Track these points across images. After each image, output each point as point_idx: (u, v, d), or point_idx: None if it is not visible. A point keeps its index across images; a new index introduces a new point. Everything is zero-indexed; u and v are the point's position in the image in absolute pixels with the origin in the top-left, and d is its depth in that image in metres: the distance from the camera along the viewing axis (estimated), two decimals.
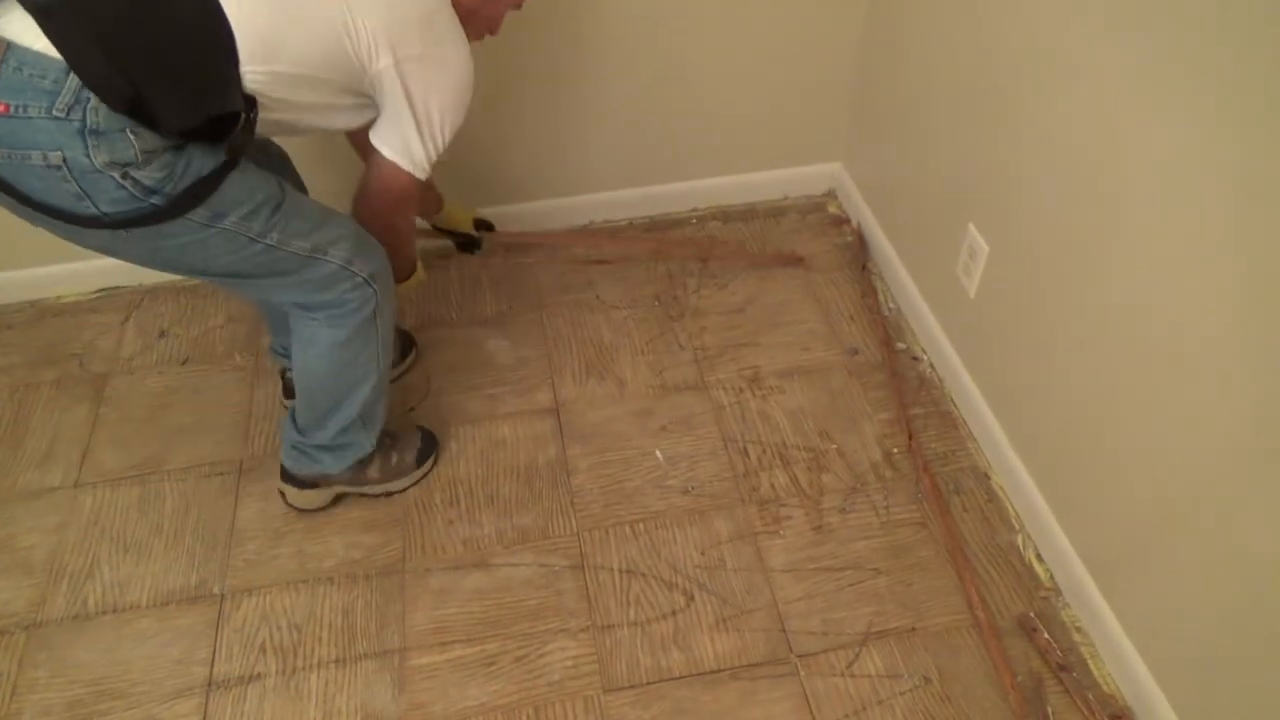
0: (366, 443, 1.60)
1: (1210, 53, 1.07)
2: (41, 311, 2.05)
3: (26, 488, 1.72)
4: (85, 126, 1.08)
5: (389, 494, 1.68)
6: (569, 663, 1.47)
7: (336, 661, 1.48)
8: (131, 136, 1.11)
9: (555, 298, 2.05)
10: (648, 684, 1.44)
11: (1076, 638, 1.48)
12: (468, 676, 1.45)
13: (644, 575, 1.57)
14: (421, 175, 1.36)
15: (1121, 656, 1.38)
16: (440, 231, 1.96)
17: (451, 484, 1.71)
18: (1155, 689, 1.33)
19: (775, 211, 2.25)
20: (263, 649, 1.49)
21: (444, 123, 1.33)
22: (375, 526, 1.64)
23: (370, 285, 1.41)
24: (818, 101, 2.11)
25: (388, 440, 1.66)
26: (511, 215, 2.15)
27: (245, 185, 1.25)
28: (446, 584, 1.56)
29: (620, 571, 1.58)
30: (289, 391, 1.72)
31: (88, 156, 1.09)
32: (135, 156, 1.12)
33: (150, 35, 1.10)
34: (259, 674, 1.46)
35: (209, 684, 1.45)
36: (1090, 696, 1.40)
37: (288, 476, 1.62)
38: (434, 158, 1.36)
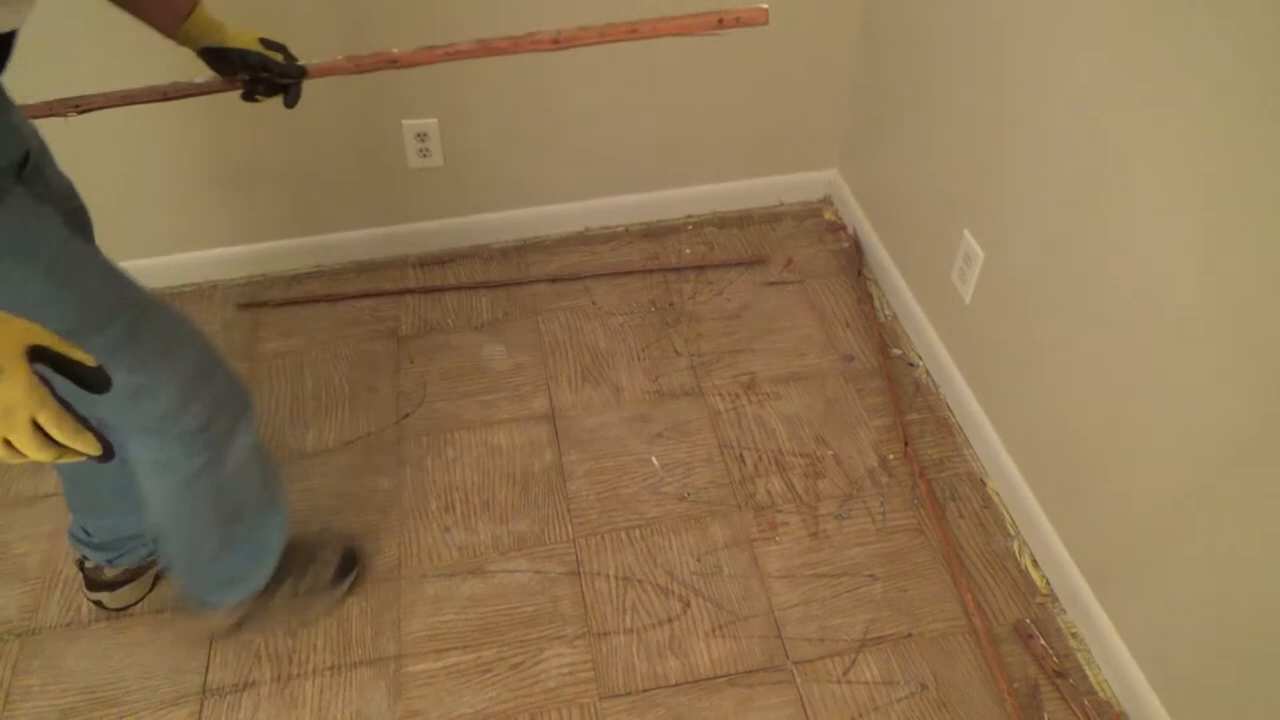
0: (258, 576, 1.41)
1: (1207, 57, 1.07)
2: None
3: (21, 494, 1.71)
4: None
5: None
6: (565, 670, 1.46)
7: (331, 669, 1.47)
8: None
9: (551, 303, 2.05)
10: (644, 691, 1.44)
11: (1073, 644, 1.48)
12: (463, 683, 1.45)
13: (640, 582, 1.57)
14: None
15: (1118, 662, 1.38)
16: (212, 62, 1.22)
17: (447, 490, 1.71)
18: (1151, 695, 1.33)
19: (771, 218, 2.25)
20: (257, 656, 1.49)
21: None
22: (371, 533, 1.64)
23: (205, 432, 1.18)
24: (814, 108, 2.11)
25: (295, 563, 1.47)
26: (507, 222, 2.15)
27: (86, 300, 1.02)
28: (442, 591, 1.56)
29: (616, 578, 1.57)
30: (90, 584, 1.48)
31: None
32: None
33: None
34: (253, 681, 1.46)
35: (203, 691, 1.45)
36: (1086, 703, 1.40)
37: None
38: None
